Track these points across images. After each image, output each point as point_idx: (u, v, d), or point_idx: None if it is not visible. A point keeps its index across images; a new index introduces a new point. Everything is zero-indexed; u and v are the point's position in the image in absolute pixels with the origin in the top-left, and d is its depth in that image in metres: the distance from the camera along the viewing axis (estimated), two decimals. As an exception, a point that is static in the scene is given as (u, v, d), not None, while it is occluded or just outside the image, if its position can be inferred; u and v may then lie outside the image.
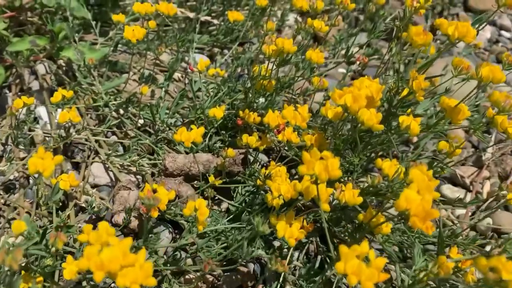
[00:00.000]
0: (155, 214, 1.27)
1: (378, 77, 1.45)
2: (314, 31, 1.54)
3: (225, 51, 2.41)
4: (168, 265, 1.37)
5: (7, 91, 2.01)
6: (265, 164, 1.79)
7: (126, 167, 1.72)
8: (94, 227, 1.47)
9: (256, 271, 1.48)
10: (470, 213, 1.66)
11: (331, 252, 1.04)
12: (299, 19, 2.69)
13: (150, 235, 1.28)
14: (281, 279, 1.32)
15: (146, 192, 1.23)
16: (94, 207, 1.46)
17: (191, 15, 2.43)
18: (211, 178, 1.51)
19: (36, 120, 1.88)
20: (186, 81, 2.16)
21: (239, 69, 2.18)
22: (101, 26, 2.18)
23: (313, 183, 0.93)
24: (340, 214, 1.46)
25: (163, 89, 1.99)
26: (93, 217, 1.52)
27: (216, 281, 1.43)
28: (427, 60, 1.30)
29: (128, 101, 1.90)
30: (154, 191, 1.31)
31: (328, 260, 1.47)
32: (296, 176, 1.75)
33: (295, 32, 1.54)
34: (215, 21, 2.47)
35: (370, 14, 1.55)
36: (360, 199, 1.10)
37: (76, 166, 1.74)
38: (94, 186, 1.67)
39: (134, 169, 1.71)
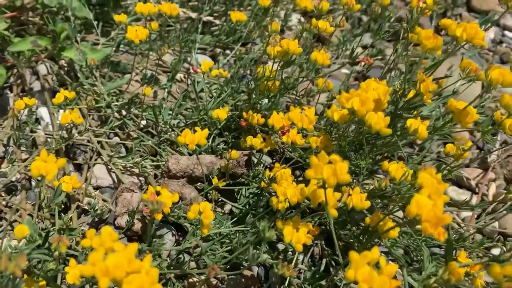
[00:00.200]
0: (158, 217, 1.26)
1: (383, 79, 1.43)
2: (319, 31, 1.52)
3: (228, 51, 2.40)
4: (172, 268, 1.35)
5: (9, 92, 1.99)
6: (268, 166, 1.78)
7: (128, 168, 1.71)
8: (97, 230, 1.47)
9: (260, 274, 1.46)
10: (475, 216, 1.65)
11: (338, 256, 1.03)
12: (302, 19, 2.68)
13: (154, 239, 1.27)
14: (286, 283, 1.30)
15: (150, 195, 1.22)
16: (97, 209, 1.44)
17: (193, 15, 2.41)
18: (215, 180, 1.50)
19: (37, 121, 1.87)
20: (189, 81, 2.15)
21: (241, 70, 2.17)
22: (102, 26, 2.16)
23: (321, 187, 0.92)
24: (345, 217, 1.44)
25: (166, 90, 1.97)
26: (96, 219, 1.51)
27: (220, 284, 1.42)
28: (434, 61, 1.29)
29: (130, 102, 1.88)
30: (158, 193, 1.29)
31: (334, 264, 1.45)
32: (300, 178, 1.74)
33: (300, 33, 1.52)
34: (217, 21, 2.45)
35: (375, 15, 1.53)
36: (367, 203, 1.09)
37: (78, 168, 1.73)
38: (97, 187, 1.66)
39: (136, 170, 1.70)
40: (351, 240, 1.45)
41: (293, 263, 1.36)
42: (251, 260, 1.02)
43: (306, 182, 1.27)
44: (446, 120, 1.27)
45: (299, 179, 1.73)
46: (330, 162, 0.91)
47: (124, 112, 1.89)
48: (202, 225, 1.10)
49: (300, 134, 1.49)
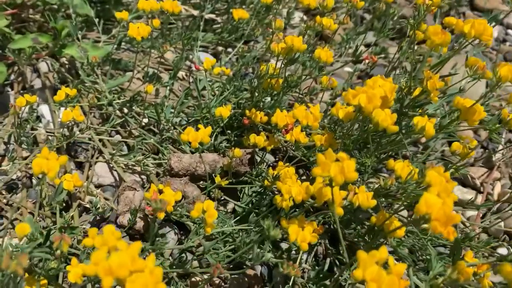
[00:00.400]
0: (161, 215, 1.24)
1: (388, 77, 1.42)
2: (323, 29, 1.50)
3: (229, 49, 2.38)
4: (174, 267, 1.34)
5: (9, 89, 1.98)
6: (271, 165, 1.76)
7: (130, 166, 1.69)
8: (99, 229, 1.45)
9: (263, 273, 1.45)
10: (481, 215, 1.63)
11: (344, 256, 1.01)
12: (305, 17, 2.66)
13: (157, 238, 1.25)
14: (290, 282, 1.28)
15: (152, 193, 1.21)
16: (99, 208, 1.43)
17: (195, 12, 2.39)
18: (217, 179, 1.48)
19: (38, 118, 1.85)
20: (191, 80, 2.13)
21: (244, 68, 2.15)
22: (104, 24, 2.15)
23: (328, 185, 0.90)
24: (350, 216, 1.43)
25: (168, 87, 1.96)
26: (98, 218, 1.49)
27: (223, 284, 1.40)
28: (440, 59, 1.27)
29: (132, 99, 1.86)
30: (160, 191, 1.28)
31: (338, 263, 1.44)
32: (304, 177, 1.73)
33: (304, 30, 1.50)
34: (219, 19, 2.43)
35: (380, 12, 1.51)
36: (374, 202, 1.07)
37: (80, 166, 1.71)
38: (98, 186, 1.64)
39: (138, 169, 1.68)
40: (356, 240, 1.44)
41: (297, 263, 1.35)
42: (255, 259, 1.01)
43: (310, 180, 1.26)
44: (452, 118, 1.25)
45: (302, 177, 1.72)
46: (337, 160, 0.89)
47: (125, 110, 1.88)
48: (206, 224, 1.09)
49: (304, 132, 1.47)
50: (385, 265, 0.81)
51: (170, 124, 1.77)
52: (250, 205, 1.55)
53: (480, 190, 1.75)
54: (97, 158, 1.71)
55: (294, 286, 1.34)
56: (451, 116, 1.28)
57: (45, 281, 1.11)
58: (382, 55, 2.32)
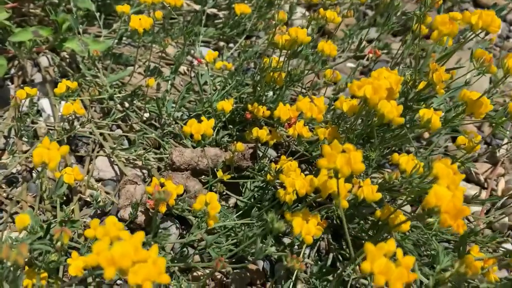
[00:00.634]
0: (163, 209, 1.23)
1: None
2: (327, 21, 1.49)
3: (231, 45, 2.36)
4: (176, 261, 1.32)
5: (10, 83, 1.96)
6: (273, 160, 1.75)
7: (131, 161, 1.68)
8: (101, 223, 1.44)
9: (265, 268, 1.43)
10: (485, 211, 1.62)
11: (348, 250, 1.00)
12: (307, 13, 2.64)
13: (159, 230, 1.24)
14: (293, 277, 1.27)
15: (154, 187, 1.19)
16: (100, 201, 1.41)
17: (197, 7, 2.38)
18: (219, 173, 1.47)
19: (39, 112, 1.83)
20: (192, 74, 2.11)
21: (246, 63, 2.13)
22: (104, 19, 2.13)
23: (335, 177, 0.88)
24: (353, 211, 1.41)
25: (169, 82, 1.94)
26: (98, 212, 1.48)
27: (225, 279, 1.39)
28: (445, 52, 1.26)
29: (133, 94, 1.85)
30: (162, 185, 1.27)
31: (341, 258, 1.42)
32: (307, 172, 1.71)
33: (308, 21, 1.49)
34: (221, 14, 2.42)
35: (385, 5, 1.49)
36: (379, 195, 1.06)
37: (80, 160, 1.69)
38: (99, 180, 1.63)
39: (140, 163, 1.67)
40: (359, 235, 1.42)
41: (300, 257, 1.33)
42: (258, 253, 0.99)
43: (313, 175, 1.24)
44: (458, 112, 1.24)
45: (305, 172, 1.70)
46: (343, 151, 0.88)
47: (126, 105, 1.86)
48: (209, 216, 1.07)
49: (307, 126, 1.46)
50: (393, 258, 0.80)
51: (171, 119, 1.76)
52: (252, 200, 1.53)
53: (484, 186, 1.74)
54: (98, 152, 1.69)
55: (296, 281, 1.32)
56: (456, 110, 1.27)
57: (45, 274, 1.10)
58: (385, 51, 2.31)
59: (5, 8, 1.95)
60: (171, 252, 1.41)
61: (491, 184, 1.72)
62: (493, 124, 1.17)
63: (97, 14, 2.07)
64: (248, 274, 1.39)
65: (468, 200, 1.49)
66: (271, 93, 1.84)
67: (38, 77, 2.00)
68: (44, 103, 1.86)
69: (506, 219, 1.55)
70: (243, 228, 1.37)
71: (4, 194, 1.52)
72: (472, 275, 0.85)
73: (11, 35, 1.83)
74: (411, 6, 2.64)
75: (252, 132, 1.48)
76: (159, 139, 1.70)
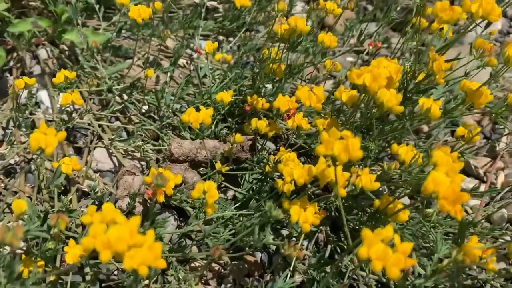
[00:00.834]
0: (161, 198, 1.23)
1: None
2: (326, 13, 1.48)
3: (231, 38, 2.36)
4: (173, 252, 1.32)
5: (8, 75, 1.96)
6: (272, 152, 1.74)
7: (130, 152, 1.67)
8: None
9: (263, 260, 1.43)
10: (483, 205, 1.61)
11: (346, 238, 0.99)
12: (307, 7, 2.64)
13: (157, 218, 1.23)
14: (291, 267, 1.26)
15: (152, 177, 1.19)
16: (98, 191, 1.41)
17: (197, 0, 2.37)
18: (218, 165, 1.46)
19: (37, 104, 1.83)
20: (192, 67, 2.11)
21: (245, 56, 2.13)
22: (104, 12, 2.12)
23: (333, 164, 0.88)
24: (351, 202, 1.41)
25: (168, 74, 1.94)
26: (96, 202, 1.47)
27: (223, 270, 1.39)
28: (445, 42, 1.25)
29: (132, 86, 1.84)
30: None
31: (339, 250, 1.42)
32: (306, 165, 1.70)
33: (308, 12, 1.48)
34: (221, 8, 2.41)
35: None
36: (377, 185, 1.05)
37: (79, 151, 1.69)
38: (97, 171, 1.62)
39: (138, 155, 1.66)
40: (357, 227, 1.42)
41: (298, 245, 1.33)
42: (256, 241, 0.99)
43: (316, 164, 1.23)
44: (458, 103, 1.23)
45: (304, 165, 1.70)
46: (341, 138, 0.87)
47: (125, 97, 1.86)
48: (207, 205, 1.07)
49: (306, 118, 1.45)
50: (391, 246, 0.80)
51: (170, 110, 1.75)
52: (250, 192, 1.53)
53: (483, 179, 1.73)
54: (96, 143, 1.69)
55: (294, 272, 1.32)
56: (456, 101, 1.26)
57: (42, 263, 1.10)
58: (385, 45, 2.30)
59: (4, -1, 1.94)
60: (169, 243, 1.41)
61: (490, 178, 1.71)
62: (493, 115, 1.17)
63: (97, 7, 2.06)
64: (246, 265, 1.39)
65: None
66: (270, 85, 1.84)
67: (37, 69, 2.00)
68: (43, 95, 1.86)
69: (505, 212, 1.55)
70: (241, 219, 1.37)
71: (2, 185, 1.51)
72: (470, 263, 0.84)
73: (10, 25, 1.82)
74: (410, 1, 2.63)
75: (251, 123, 1.47)
76: (157, 131, 1.70)
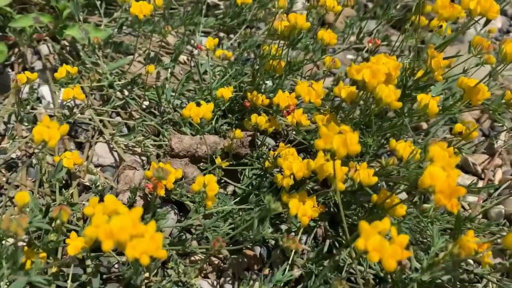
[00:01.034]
0: (161, 192, 1.24)
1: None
2: (326, 10, 1.49)
3: (231, 35, 2.37)
4: (174, 246, 1.33)
5: (10, 70, 1.97)
6: (272, 148, 1.76)
7: (130, 147, 1.68)
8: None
9: (262, 254, 1.44)
10: (481, 201, 1.63)
11: (344, 232, 1.01)
12: (307, 4, 2.64)
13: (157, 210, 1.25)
14: (289, 261, 1.28)
15: (153, 171, 1.20)
16: (99, 185, 1.42)
17: (198, -3, 2.38)
18: (218, 160, 1.48)
19: (39, 99, 1.84)
20: (192, 64, 2.12)
21: (246, 53, 2.14)
22: (105, 8, 2.13)
23: (331, 158, 0.89)
24: (350, 198, 1.42)
25: (169, 70, 1.95)
26: (97, 196, 1.48)
27: (222, 264, 1.40)
28: (444, 40, 1.26)
29: (133, 81, 1.85)
30: (161, 170, 1.27)
31: (337, 245, 1.43)
32: (305, 161, 1.72)
33: (308, 9, 1.49)
34: (222, 4, 2.42)
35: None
36: (375, 179, 1.06)
37: (80, 146, 1.70)
38: (98, 166, 1.63)
39: (139, 150, 1.67)
40: (356, 223, 1.43)
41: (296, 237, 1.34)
42: (255, 234, 1.00)
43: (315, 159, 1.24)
44: (456, 100, 1.24)
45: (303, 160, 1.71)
46: (340, 133, 0.89)
47: (126, 92, 1.87)
48: (207, 197, 1.08)
49: (306, 115, 1.46)
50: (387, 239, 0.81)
51: (171, 106, 1.76)
52: (250, 187, 1.54)
53: (481, 176, 1.75)
54: (97, 138, 1.70)
55: (292, 266, 1.33)
56: (454, 98, 1.28)
57: (44, 254, 1.11)
58: (385, 43, 2.31)
59: (6, -6, 1.95)
60: (169, 237, 1.42)
61: (488, 175, 1.73)
62: (491, 111, 1.18)
63: (98, 3, 2.07)
64: (245, 259, 1.40)
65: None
66: (270, 82, 1.85)
67: (38, 65, 2.01)
68: (44, 90, 1.87)
69: (503, 208, 1.56)
70: (240, 213, 1.38)
71: (4, 179, 1.53)
72: (466, 256, 0.86)
73: (12, 21, 1.83)
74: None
75: (251, 118, 1.48)
76: (158, 126, 1.71)
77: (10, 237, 0.89)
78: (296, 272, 1.30)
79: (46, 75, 1.92)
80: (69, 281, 1.14)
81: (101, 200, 1.49)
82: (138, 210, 0.75)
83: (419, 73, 1.33)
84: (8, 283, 1.05)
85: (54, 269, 1.15)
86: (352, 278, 1.37)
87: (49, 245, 1.09)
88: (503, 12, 2.79)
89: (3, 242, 1.09)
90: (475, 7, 1.05)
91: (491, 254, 1.17)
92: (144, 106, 1.83)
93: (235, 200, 1.48)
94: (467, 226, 1.29)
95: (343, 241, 1.41)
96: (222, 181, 1.57)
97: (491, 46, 1.16)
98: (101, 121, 1.73)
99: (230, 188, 1.62)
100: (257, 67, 1.71)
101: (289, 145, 1.43)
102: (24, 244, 1.15)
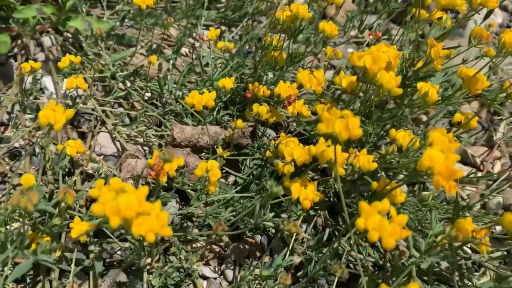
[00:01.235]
0: (164, 179, 1.25)
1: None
2: (328, 2, 1.50)
3: (233, 29, 2.38)
4: (175, 233, 1.35)
5: (13, 61, 1.98)
6: (273, 139, 1.77)
7: (133, 137, 1.70)
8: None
9: (263, 242, 1.46)
10: (480, 192, 1.64)
11: (344, 220, 1.02)
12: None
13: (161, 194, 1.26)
14: (290, 247, 1.30)
15: (155, 159, 1.22)
16: (101, 173, 1.44)
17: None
18: (219, 150, 1.49)
19: (41, 90, 1.86)
20: (194, 56, 2.13)
21: (247, 46, 2.15)
22: (108, 0, 2.15)
23: (332, 142, 0.91)
24: (349, 186, 1.44)
25: (171, 62, 1.96)
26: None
27: (223, 252, 1.42)
28: (444, 31, 1.28)
29: (135, 73, 1.87)
30: (163, 158, 1.29)
31: (337, 234, 1.45)
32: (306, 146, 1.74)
33: (309, 3, 1.51)
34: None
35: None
36: (374, 165, 1.08)
37: (82, 136, 1.72)
38: (100, 155, 1.65)
39: (141, 140, 1.69)
40: (356, 212, 1.45)
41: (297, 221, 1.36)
42: (257, 217, 1.02)
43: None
44: (455, 89, 1.26)
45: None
46: (341, 118, 0.90)
47: (128, 83, 1.88)
48: (209, 183, 1.10)
49: (306, 105, 1.48)
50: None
51: (173, 97, 1.78)
52: (251, 177, 1.56)
53: (480, 168, 1.77)
54: (100, 128, 1.71)
55: (292, 253, 1.35)
56: (453, 88, 1.29)
57: (48, 239, 1.13)
58: (385, 37, 2.33)
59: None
60: (171, 224, 1.44)
61: (487, 167, 1.74)
62: (489, 101, 1.20)
63: (101, -5, 2.09)
64: (246, 246, 1.42)
65: (464, 182, 1.51)
66: (271, 74, 1.86)
67: (41, 56, 2.02)
68: (47, 81, 1.88)
69: (501, 198, 1.58)
70: (241, 201, 1.40)
71: (8, 167, 1.54)
72: (463, 238, 0.87)
73: (15, 12, 1.84)
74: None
75: (252, 108, 1.50)
76: (160, 117, 1.73)
77: (16, 220, 0.91)
78: (296, 259, 1.32)
79: (49, 66, 1.93)
80: (72, 265, 1.15)
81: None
82: (145, 189, 0.77)
83: (419, 64, 1.34)
84: (12, 268, 1.06)
85: (58, 253, 1.17)
86: (351, 265, 1.39)
87: (53, 229, 1.10)
88: (504, 8, 2.80)
89: (8, 226, 1.11)
90: (475, -4, 1.07)
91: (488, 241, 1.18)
92: (146, 97, 1.84)
93: (236, 189, 1.50)
94: (465, 214, 1.31)
95: (343, 230, 1.43)
96: (224, 171, 1.59)
97: (490, 37, 1.18)
98: (103, 111, 1.75)
99: (231, 179, 1.64)
100: (259, 58, 1.72)
101: (290, 135, 1.45)
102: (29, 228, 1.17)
